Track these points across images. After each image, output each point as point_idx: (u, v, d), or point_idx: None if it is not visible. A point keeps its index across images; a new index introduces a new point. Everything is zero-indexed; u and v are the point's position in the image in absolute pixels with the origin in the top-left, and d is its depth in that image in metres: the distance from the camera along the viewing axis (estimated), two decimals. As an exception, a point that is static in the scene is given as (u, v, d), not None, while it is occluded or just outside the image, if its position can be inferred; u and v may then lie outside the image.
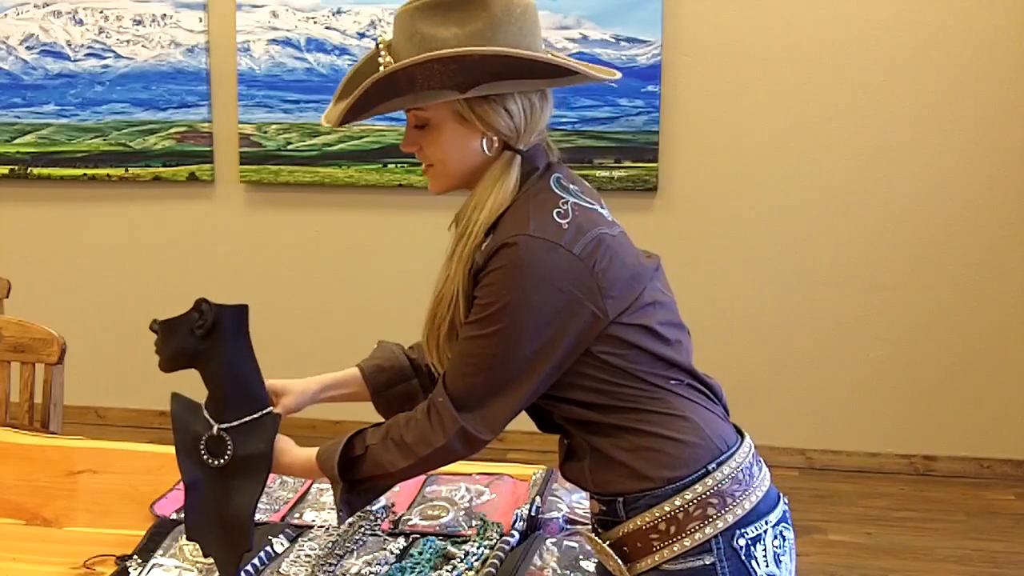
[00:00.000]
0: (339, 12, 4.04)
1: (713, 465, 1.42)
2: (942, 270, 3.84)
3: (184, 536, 1.61)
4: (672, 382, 1.44)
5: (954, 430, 3.91)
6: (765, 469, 1.49)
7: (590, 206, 1.45)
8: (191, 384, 1.60)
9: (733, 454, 1.44)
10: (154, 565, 1.62)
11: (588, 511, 1.70)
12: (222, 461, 1.50)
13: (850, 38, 3.77)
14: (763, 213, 3.91)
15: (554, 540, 1.69)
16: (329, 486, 1.89)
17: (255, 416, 1.51)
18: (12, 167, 4.35)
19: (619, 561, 1.43)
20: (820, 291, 3.91)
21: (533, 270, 1.35)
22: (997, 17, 3.68)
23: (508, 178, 1.42)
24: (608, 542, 1.45)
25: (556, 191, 1.43)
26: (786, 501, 1.50)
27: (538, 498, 1.80)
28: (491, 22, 1.37)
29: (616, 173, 3.89)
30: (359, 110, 1.43)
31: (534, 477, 1.91)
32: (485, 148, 1.43)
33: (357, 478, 1.46)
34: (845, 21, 3.77)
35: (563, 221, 1.38)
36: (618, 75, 1.49)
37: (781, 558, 1.44)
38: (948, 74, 3.74)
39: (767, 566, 1.42)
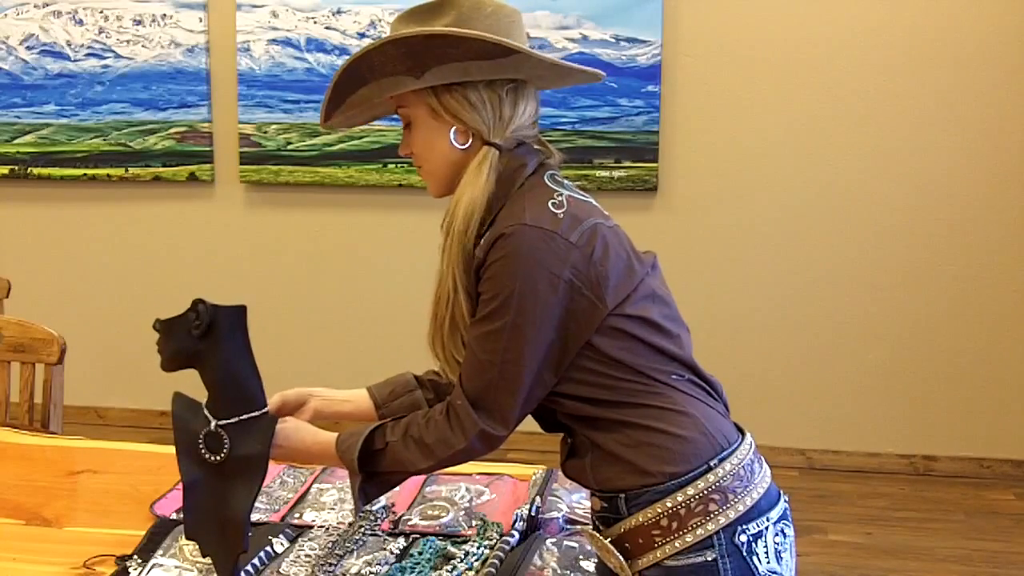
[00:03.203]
0: (339, 12, 4.04)
1: (715, 461, 1.42)
2: (942, 270, 3.84)
3: (184, 536, 1.61)
4: (673, 376, 1.45)
5: (954, 430, 3.91)
6: (766, 466, 1.50)
7: (585, 199, 1.48)
8: (192, 384, 1.60)
9: (735, 450, 1.45)
10: (154, 565, 1.62)
11: (588, 511, 1.70)
12: (220, 457, 1.50)
13: (850, 38, 3.78)
14: (763, 213, 3.91)
15: (554, 540, 1.69)
16: (329, 487, 1.91)
17: (252, 415, 1.51)
18: (12, 167, 4.35)
19: (621, 558, 1.43)
20: (820, 291, 3.91)
21: (531, 258, 1.38)
22: (996, 17, 3.68)
23: (483, 171, 1.45)
24: (609, 539, 1.45)
25: (551, 185, 1.46)
26: (786, 499, 1.51)
27: (538, 498, 1.80)
28: (457, 18, 1.42)
29: (616, 173, 3.89)
30: (336, 103, 1.51)
31: (534, 477, 1.91)
32: (454, 140, 1.47)
33: (375, 471, 1.48)
34: (845, 21, 3.77)
35: (558, 211, 1.41)
36: (566, 64, 1.49)
37: (782, 555, 1.45)
38: (948, 74, 3.74)
39: (768, 563, 1.42)
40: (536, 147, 1.52)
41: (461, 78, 1.43)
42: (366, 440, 1.47)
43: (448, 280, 1.45)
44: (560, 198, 1.43)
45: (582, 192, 1.50)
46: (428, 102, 1.46)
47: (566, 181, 1.50)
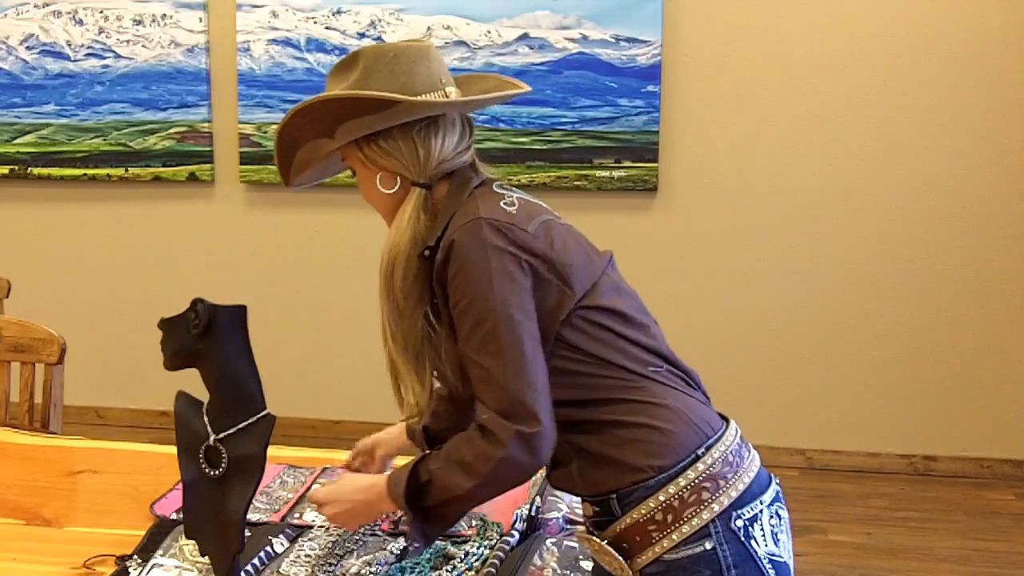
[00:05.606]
0: (339, 12, 4.04)
1: (702, 450, 1.43)
2: (942, 270, 3.84)
3: (184, 535, 1.61)
4: (651, 369, 1.47)
5: (954, 430, 3.91)
6: (754, 452, 1.51)
7: (534, 201, 1.52)
8: (194, 383, 1.60)
9: (721, 437, 1.46)
10: (154, 565, 1.62)
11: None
12: (219, 471, 1.51)
13: (850, 38, 3.78)
14: (763, 213, 3.91)
15: (554, 540, 1.70)
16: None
17: (250, 422, 1.51)
18: (12, 167, 4.35)
19: (620, 559, 1.43)
20: (820, 291, 3.91)
21: (492, 246, 1.40)
22: (997, 17, 3.69)
23: (406, 212, 1.50)
24: (606, 540, 1.45)
25: (499, 191, 1.51)
26: (777, 481, 1.51)
27: (538, 498, 1.80)
28: (364, 71, 1.48)
29: (616, 173, 3.89)
30: (285, 168, 1.63)
31: (534, 477, 1.91)
32: (380, 185, 1.53)
33: (428, 505, 1.46)
34: (845, 21, 3.77)
35: (511, 208, 1.46)
36: (457, 100, 1.52)
37: (779, 536, 1.46)
38: (949, 74, 3.74)
39: (766, 545, 1.43)
40: (474, 167, 1.55)
41: (364, 132, 1.48)
42: (411, 475, 1.45)
43: (385, 316, 1.51)
44: (511, 198, 1.48)
45: (531, 196, 1.54)
46: (357, 155, 1.52)
47: (514, 188, 1.54)
